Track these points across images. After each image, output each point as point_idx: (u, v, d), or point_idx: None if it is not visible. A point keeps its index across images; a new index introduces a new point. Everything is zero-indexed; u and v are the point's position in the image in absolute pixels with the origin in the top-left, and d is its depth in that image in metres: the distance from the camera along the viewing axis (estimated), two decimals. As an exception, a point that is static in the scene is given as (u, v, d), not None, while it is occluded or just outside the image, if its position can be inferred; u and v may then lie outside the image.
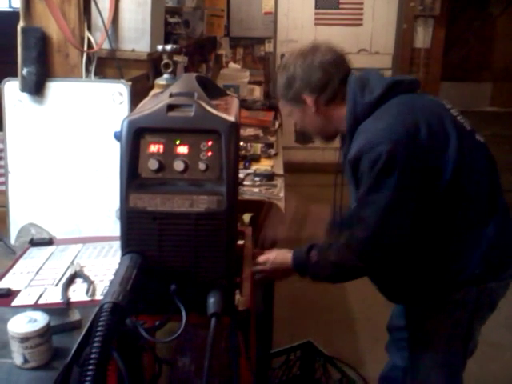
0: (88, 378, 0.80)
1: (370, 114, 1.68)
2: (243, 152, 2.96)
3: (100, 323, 0.87)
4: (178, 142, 1.09)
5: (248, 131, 3.36)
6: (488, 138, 5.77)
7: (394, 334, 2.23)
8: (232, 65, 5.26)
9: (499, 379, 2.96)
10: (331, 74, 1.73)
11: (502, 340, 3.29)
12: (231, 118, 1.10)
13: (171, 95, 1.10)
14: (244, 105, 4.00)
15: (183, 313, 1.05)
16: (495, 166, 1.79)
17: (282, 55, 6.16)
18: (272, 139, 3.36)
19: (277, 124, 3.78)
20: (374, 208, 1.60)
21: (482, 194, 1.71)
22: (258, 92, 4.76)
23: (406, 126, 1.59)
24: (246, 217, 1.63)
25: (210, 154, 1.09)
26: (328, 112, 1.77)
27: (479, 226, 1.71)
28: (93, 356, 0.82)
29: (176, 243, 1.09)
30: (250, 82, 4.72)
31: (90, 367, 0.81)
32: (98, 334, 0.85)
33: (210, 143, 1.09)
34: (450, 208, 1.67)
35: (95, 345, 0.83)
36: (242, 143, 3.01)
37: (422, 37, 5.67)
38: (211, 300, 1.08)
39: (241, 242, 1.54)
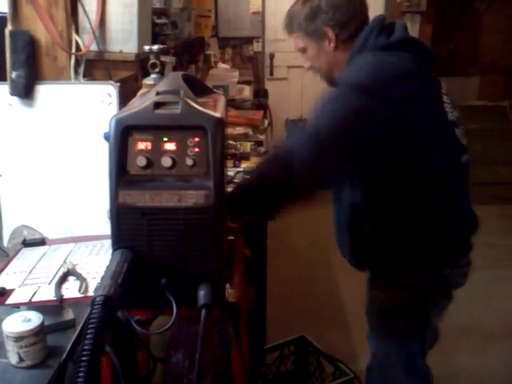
0: (82, 369, 0.82)
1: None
2: (233, 150, 2.98)
3: (92, 315, 0.89)
4: (165, 139, 1.11)
5: (237, 130, 3.38)
6: (477, 132, 5.82)
7: (368, 321, 2.25)
8: (221, 65, 5.28)
9: (492, 370, 2.99)
10: (356, 11, 1.73)
11: (493, 331, 3.33)
12: (217, 115, 1.12)
13: (158, 93, 1.13)
14: (233, 104, 4.02)
15: (174, 305, 1.07)
16: (466, 159, 1.76)
17: (271, 54, 6.19)
18: (261, 137, 3.38)
19: (266, 122, 3.80)
20: (329, 111, 1.55)
21: (445, 182, 1.69)
22: (247, 91, 4.78)
23: (393, 74, 1.58)
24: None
25: (197, 149, 1.11)
26: (344, 51, 1.73)
27: (436, 216, 1.71)
28: (86, 347, 0.85)
29: (165, 238, 1.11)
30: (239, 82, 4.75)
31: (84, 358, 0.83)
32: (91, 325, 0.87)
33: (196, 139, 1.11)
34: (410, 188, 1.66)
35: (88, 336, 0.85)
36: (231, 142, 3.03)
37: (410, 33, 5.70)
38: (201, 292, 1.10)
39: (231, 238, 1.55)
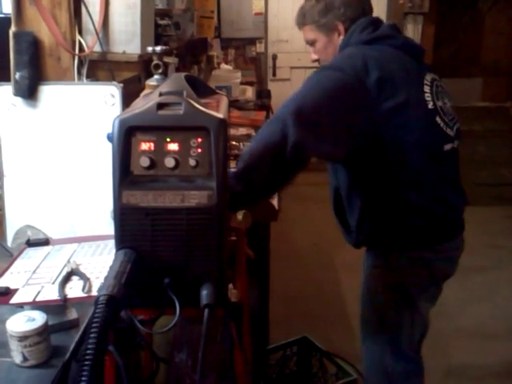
0: (86, 368, 0.83)
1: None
2: (236, 151, 2.98)
3: (96, 315, 0.89)
4: (168, 140, 1.11)
5: (240, 131, 3.38)
6: (480, 133, 5.83)
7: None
8: (224, 66, 5.29)
9: (495, 371, 2.99)
10: (364, 10, 1.89)
11: (496, 332, 3.33)
12: (220, 115, 1.12)
13: (161, 94, 1.13)
14: (236, 105, 4.02)
15: (177, 305, 1.07)
16: (451, 147, 1.83)
17: (274, 55, 6.20)
18: (264, 138, 3.37)
19: (269, 123, 3.79)
20: (309, 86, 1.67)
21: (420, 167, 1.75)
22: (250, 92, 4.79)
23: (368, 63, 1.67)
24: (239, 213, 1.65)
25: (199, 150, 1.11)
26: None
27: (411, 199, 1.77)
28: (90, 347, 0.85)
29: (168, 238, 1.11)
30: (241, 83, 4.75)
31: (88, 357, 0.84)
32: (95, 325, 0.88)
33: (199, 140, 1.11)
34: (383, 172, 1.74)
35: (92, 336, 0.86)
36: (234, 142, 3.04)
37: (412, 34, 5.71)
38: (204, 292, 1.10)
39: (234, 238, 1.56)
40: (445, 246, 1.86)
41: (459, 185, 1.90)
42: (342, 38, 1.87)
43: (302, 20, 1.95)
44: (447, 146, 1.80)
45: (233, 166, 2.61)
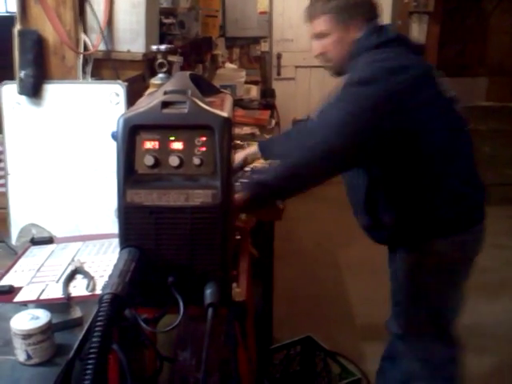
0: (90, 367, 0.83)
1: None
2: (240, 150, 2.97)
3: (100, 313, 0.89)
4: (172, 138, 1.11)
5: (245, 130, 3.38)
6: (484, 133, 5.77)
7: (393, 297, 2.30)
8: (228, 65, 5.28)
9: (497, 371, 2.98)
10: (377, 14, 1.93)
11: (499, 332, 3.32)
12: (224, 114, 1.12)
13: (165, 93, 1.13)
14: (241, 104, 4.02)
15: (181, 304, 1.07)
16: (468, 131, 1.94)
17: (279, 54, 6.20)
18: (268, 137, 3.38)
19: (273, 122, 3.80)
20: (336, 108, 1.73)
21: (451, 151, 1.85)
22: (254, 91, 4.78)
23: (385, 66, 1.75)
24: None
25: (204, 149, 1.11)
26: None
27: (448, 183, 1.86)
28: (94, 345, 0.85)
29: (173, 236, 1.11)
30: (246, 82, 4.74)
31: (91, 356, 0.84)
32: (99, 323, 0.87)
33: (203, 139, 1.11)
34: (419, 161, 1.83)
35: (96, 334, 0.86)
36: (238, 141, 3.03)
37: (417, 33, 5.69)
38: (208, 291, 1.10)
39: (238, 237, 1.56)
40: (478, 227, 1.96)
41: (476, 167, 1.99)
42: (358, 35, 1.87)
43: (320, 9, 1.91)
44: (467, 129, 1.93)
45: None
